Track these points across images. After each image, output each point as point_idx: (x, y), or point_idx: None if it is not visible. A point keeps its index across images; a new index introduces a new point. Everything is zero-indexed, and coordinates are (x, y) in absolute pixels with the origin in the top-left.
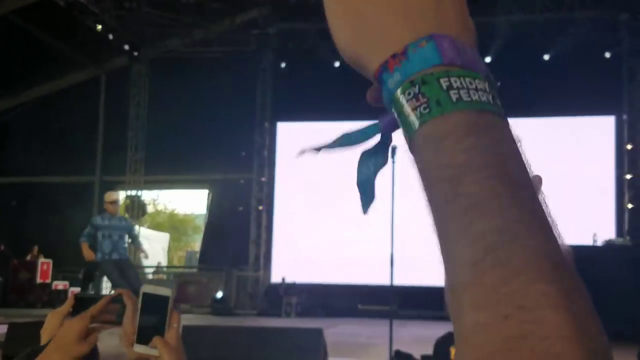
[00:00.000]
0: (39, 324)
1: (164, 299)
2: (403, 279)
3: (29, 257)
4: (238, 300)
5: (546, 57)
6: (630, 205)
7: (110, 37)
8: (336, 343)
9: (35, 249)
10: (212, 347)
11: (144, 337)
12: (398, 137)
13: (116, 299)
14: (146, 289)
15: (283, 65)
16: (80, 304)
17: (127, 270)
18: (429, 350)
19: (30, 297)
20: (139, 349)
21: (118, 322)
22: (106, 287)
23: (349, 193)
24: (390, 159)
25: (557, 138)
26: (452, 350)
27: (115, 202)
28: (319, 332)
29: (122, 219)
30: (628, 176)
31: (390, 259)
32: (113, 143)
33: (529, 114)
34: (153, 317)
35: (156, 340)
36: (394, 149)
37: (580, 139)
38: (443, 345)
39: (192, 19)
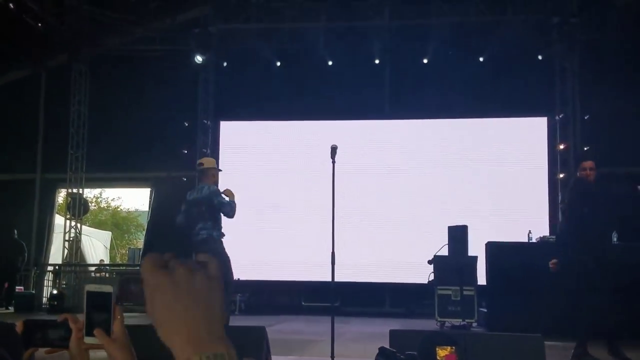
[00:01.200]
0: None
1: (107, 295)
2: (346, 276)
3: None
4: None
5: (481, 59)
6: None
7: (50, 35)
8: (279, 340)
9: None
10: (153, 346)
11: (91, 330)
12: (337, 138)
13: (61, 324)
14: (89, 287)
15: (225, 64)
16: (30, 329)
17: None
18: (373, 345)
19: None
20: (89, 340)
21: (64, 346)
22: (47, 284)
23: (292, 191)
24: (330, 160)
25: (492, 139)
26: (438, 350)
27: (206, 169)
28: (261, 330)
29: (204, 189)
30: (560, 175)
31: (331, 256)
32: (54, 141)
33: (465, 115)
34: (98, 312)
35: (96, 332)
36: (333, 149)
37: (514, 139)
38: (428, 343)
39: (132, 17)
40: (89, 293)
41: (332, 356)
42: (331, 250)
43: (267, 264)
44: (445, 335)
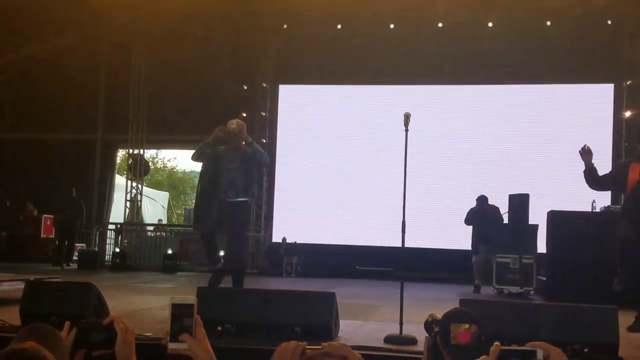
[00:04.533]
0: (54, 284)
1: (190, 306)
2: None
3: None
4: None
5: (548, 22)
6: None
7: None
8: (342, 304)
9: (29, 204)
10: (228, 308)
11: (175, 336)
12: (409, 106)
13: (107, 326)
14: (174, 300)
15: (285, 26)
16: (77, 332)
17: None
18: (435, 311)
19: (35, 252)
20: (172, 346)
21: (110, 348)
22: (109, 242)
23: (350, 156)
24: (403, 127)
25: (556, 105)
26: (451, 327)
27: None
28: (331, 296)
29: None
30: (626, 144)
31: (402, 225)
32: (115, 102)
33: (528, 80)
34: (181, 320)
35: (184, 336)
36: (407, 116)
37: (579, 106)
38: (445, 319)
39: None
40: (174, 305)
41: (401, 322)
42: (402, 219)
43: (323, 228)
44: (463, 312)
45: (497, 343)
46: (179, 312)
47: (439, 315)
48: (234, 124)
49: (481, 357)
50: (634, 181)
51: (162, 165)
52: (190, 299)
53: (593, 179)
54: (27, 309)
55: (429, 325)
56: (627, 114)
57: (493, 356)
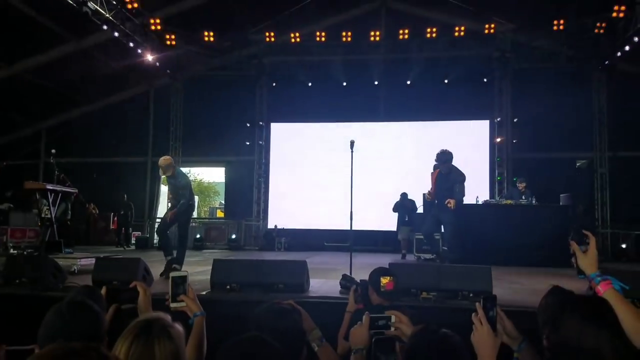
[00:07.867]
0: (115, 259)
1: (184, 277)
2: (356, 225)
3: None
4: (246, 240)
5: (446, 80)
6: (498, 177)
7: (157, 64)
8: (311, 269)
9: (90, 206)
10: (233, 273)
11: (175, 298)
12: (350, 134)
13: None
14: (173, 273)
15: (274, 84)
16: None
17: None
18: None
19: (106, 239)
20: (174, 304)
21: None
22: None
23: (320, 170)
24: (350, 151)
25: (453, 134)
26: (381, 279)
27: (160, 167)
28: (304, 263)
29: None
30: (497, 159)
31: (349, 213)
32: (161, 135)
33: (435, 119)
34: (178, 287)
35: (183, 297)
36: (352, 142)
37: (467, 135)
38: (376, 274)
39: (211, 51)
40: (173, 277)
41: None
42: (350, 208)
43: (302, 217)
44: (387, 269)
45: (367, 312)
46: (177, 282)
47: (347, 274)
48: (160, 160)
49: (357, 324)
50: (433, 184)
51: (193, 178)
52: (184, 272)
53: None
54: (97, 277)
55: (342, 281)
56: (498, 140)
57: (366, 323)
